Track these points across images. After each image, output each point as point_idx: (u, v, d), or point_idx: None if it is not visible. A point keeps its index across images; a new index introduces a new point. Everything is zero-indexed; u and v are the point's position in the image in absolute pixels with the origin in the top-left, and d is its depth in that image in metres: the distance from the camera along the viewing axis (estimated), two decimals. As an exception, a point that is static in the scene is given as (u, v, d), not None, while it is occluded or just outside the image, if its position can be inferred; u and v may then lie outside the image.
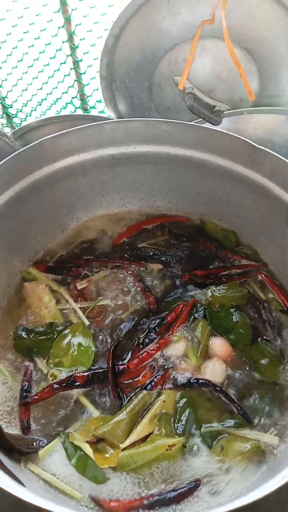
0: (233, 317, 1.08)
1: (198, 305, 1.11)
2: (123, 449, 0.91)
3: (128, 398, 0.99)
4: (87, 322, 1.09)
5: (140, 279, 1.16)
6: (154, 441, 0.90)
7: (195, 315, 1.10)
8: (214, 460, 0.92)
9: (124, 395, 1.00)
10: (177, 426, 0.95)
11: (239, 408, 0.96)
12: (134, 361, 1.02)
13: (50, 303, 1.10)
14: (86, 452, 0.91)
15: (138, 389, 1.00)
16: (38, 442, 0.94)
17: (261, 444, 0.92)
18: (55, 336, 1.07)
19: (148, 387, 0.99)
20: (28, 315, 1.12)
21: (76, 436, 0.93)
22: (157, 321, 1.09)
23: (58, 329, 1.08)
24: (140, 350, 1.04)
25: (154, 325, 1.08)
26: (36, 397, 0.98)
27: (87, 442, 0.91)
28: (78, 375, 1.00)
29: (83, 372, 1.01)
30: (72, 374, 1.00)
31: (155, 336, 1.06)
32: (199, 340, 1.05)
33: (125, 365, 1.02)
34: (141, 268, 1.20)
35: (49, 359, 1.04)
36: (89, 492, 0.89)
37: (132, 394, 0.99)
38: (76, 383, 0.99)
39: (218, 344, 1.05)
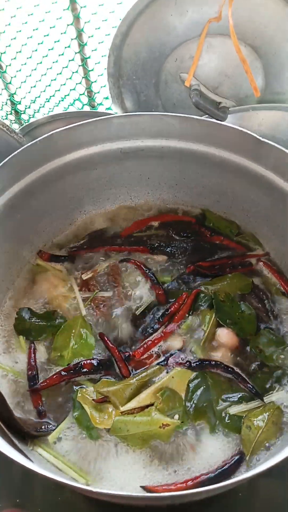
0: (239, 307, 1.10)
1: (202, 295, 1.13)
2: (121, 413, 0.93)
3: (139, 370, 1.02)
4: (84, 312, 1.11)
5: (147, 271, 1.18)
6: (150, 414, 0.92)
7: (200, 304, 1.11)
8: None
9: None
10: (188, 405, 0.96)
11: (251, 387, 0.98)
12: (140, 350, 1.04)
13: (57, 291, 1.13)
14: (84, 408, 0.94)
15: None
16: (47, 425, 0.96)
17: (279, 404, 0.96)
18: (55, 324, 1.10)
19: (162, 363, 1.02)
20: (35, 302, 1.15)
21: (84, 391, 0.97)
22: (161, 311, 1.11)
23: (59, 318, 1.11)
24: (145, 340, 1.06)
25: (159, 315, 1.10)
26: (45, 383, 1.00)
27: (93, 400, 0.95)
28: (86, 362, 1.02)
29: (91, 359, 1.03)
30: (80, 361, 1.03)
31: (159, 326, 1.08)
32: (205, 331, 1.07)
33: (130, 353, 1.04)
34: (148, 260, 1.22)
35: (51, 354, 1.06)
36: (95, 477, 0.90)
37: (144, 368, 1.02)
38: (84, 370, 1.01)
39: (225, 335, 1.06)
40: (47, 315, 1.12)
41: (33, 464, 0.74)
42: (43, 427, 0.96)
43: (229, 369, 1.01)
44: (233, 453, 0.92)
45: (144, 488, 0.88)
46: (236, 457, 0.91)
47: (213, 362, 1.02)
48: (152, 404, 0.95)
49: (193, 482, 0.88)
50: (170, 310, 1.10)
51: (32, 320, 1.10)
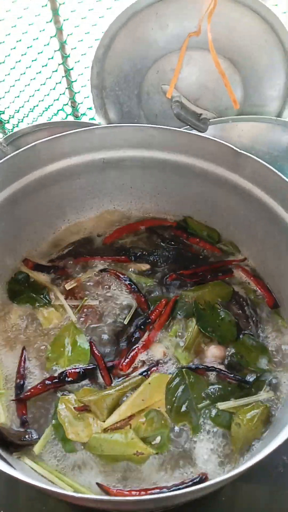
0: (219, 315, 1.12)
1: (181, 303, 1.14)
2: (104, 430, 0.94)
3: (121, 379, 1.03)
4: (74, 319, 1.12)
5: (126, 280, 1.19)
6: (127, 436, 0.91)
7: (179, 312, 1.13)
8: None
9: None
10: (169, 408, 0.97)
11: (234, 376, 1.02)
12: (125, 362, 1.04)
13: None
14: (59, 418, 0.95)
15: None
16: (31, 434, 0.96)
17: (265, 403, 0.98)
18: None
19: (144, 374, 1.03)
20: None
21: (66, 399, 0.97)
22: (143, 320, 1.12)
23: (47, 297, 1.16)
24: (128, 350, 1.07)
25: (140, 323, 1.11)
26: (29, 393, 1.01)
27: (74, 408, 0.96)
28: (70, 371, 1.03)
29: (75, 368, 1.03)
30: (64, 370, 1.03)
31: (140, 335, 1.09)
32: (186, 340, 1.08)
33: (114, 363, 1.05)
34: (130, 269, 1.23)
35: (47, 364, 1.06)
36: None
37: (124, 377, 1.03)
38: (68, 379, 1.02)
39: (213, 351, 1.08)
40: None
41: (15, 472, 0.74)
42: (27, 436, 0.96)
43: (210, 367, 1.03)
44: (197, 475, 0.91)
45: (99, 485, 0.89)
46: (196, 480, 0.90)
47: (194, 366, 1.04)
48: (133, 415, 0.95)
49: (146, 492, 0.88)
50: (150, 318, 1.12)
51: (26, 285, 1.17)
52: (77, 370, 1.03)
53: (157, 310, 1.13)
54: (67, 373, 1.02)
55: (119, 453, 0.91)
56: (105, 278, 1.21)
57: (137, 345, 1.08)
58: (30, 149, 1.07)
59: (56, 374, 1.03)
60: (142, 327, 1.10)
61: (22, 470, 0.90)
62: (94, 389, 1.01)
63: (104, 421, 0.95)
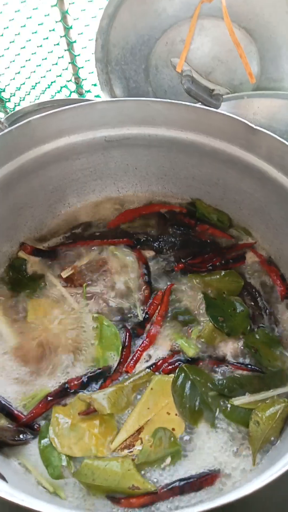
0: (231, 304, 1.05)
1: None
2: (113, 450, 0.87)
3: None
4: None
5: (146, 268, 1.13)
6: (124, 466, 0.83)
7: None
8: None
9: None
10: (182, 411, 0.91)
11: (246, 366, 0.97)
12: (131, 363, 0.98)
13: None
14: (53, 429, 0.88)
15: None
16: (25, 434, 0.91)
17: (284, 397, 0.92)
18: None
19: (147, 370, 0.97)
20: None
21: (58, 409, 0.91)
22: (144, 314, 1.06)
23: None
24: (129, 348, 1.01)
25: (142, 319, 1.05)
26: (31, 414, 0.92)
27: (79, 413, 0.89)
28: (72, 383, 0.95)
29: (77, 380, 0.95)
30: (65, 381, 0.96)
31: (142, 332, 1.04)
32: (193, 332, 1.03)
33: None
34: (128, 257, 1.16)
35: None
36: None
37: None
38: (71, 390, 0.94)
39: (230, 347, 1.03)
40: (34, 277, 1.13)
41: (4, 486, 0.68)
42: (21, 435, 0.90)
43: (221, 359, 0.99)
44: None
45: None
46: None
47: (196, 357, 0.99)
48: (142, 428, 0.89)
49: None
50: (148, 313, 1.05)
51: (23, 275, 1.12)
52: (81, 380, 0.95)
53: (155, 303, 1.06)
54: (69, 384, 0.95)
55: (113, 485, 0.81)
56: (105, 263, 1.14)
57: (141, 344, 1.01)
58: (24, 127, 0.98)
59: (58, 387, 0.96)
60: (142, 324, 1.05)
61: (14, 472, 0.85)
62: (88, 395, 0.92)
63: (109, 439, 0.88)
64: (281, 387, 0.94)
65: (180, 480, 0.84)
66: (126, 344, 1.01)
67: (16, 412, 0.93)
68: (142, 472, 0.85)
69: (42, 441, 0.89)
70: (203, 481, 0.84)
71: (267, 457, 0.88)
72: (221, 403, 0.92)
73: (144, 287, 1.10)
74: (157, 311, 1.06)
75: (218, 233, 1.19)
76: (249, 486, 0.66)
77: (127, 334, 1.02)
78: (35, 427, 0.91)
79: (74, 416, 0.90)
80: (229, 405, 0.92)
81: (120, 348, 1.00)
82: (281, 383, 0.95)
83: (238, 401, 0.91)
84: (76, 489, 0.84)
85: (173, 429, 0.89)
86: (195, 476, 0.85)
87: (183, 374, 0.95)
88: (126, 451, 0.87)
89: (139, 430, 0.89)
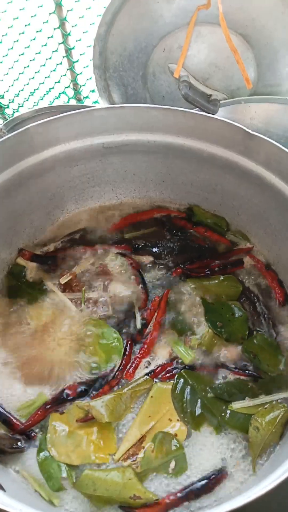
0: (230, 309, 1.05)
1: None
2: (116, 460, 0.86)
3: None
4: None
5: (140, 273, 1.13)
6: (125, 476, 0.82)
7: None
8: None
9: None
10: (183, 416, 0.91)
11: (244, 371, 0.96)
12: (130, 371, 0.98)
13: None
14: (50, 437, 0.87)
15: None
16: (23, 441, 0.90)
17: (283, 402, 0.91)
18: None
19: (145, 377, 0.97)
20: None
21: (55, 416, 0.90)
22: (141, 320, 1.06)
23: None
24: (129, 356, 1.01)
25: (140, 326, 1.05)
26: (29, 422, 0.92)
27: (76, 421, 0.88)
28: (71, 390, 0.95)
29: (75, 389, 0.95)
30: (63, 389, 0.95)
31: (140, 338, 1.03)
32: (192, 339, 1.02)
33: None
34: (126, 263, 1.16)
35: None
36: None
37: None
38: (70, 398, 0.94)
39: (229, 353, 1.02)
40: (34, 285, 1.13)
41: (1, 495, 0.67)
42: (19, 443, 0.90)
43: (219, 364, 0.99)
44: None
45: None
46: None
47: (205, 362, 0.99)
48: (144, 437, 0.88)
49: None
50: (146, 320, 1.05)
51: (23, 282, 1.11)
52: (78, 387, 0.95)
53: (152, 308, 1.06)
54: (67, 391, 0.95)
55: (114, 495, 0.80)
56: (103, 269, 1.14)
57: (139, 351, 1.01)
58: (22, 133, 0.98)
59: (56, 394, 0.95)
60: (140, 331, 1.04)
61: (12, 481, 0.84)
62: (86, 403, 0.92)
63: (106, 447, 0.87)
64: (280, 392, 0.93)
65: (192, 484, 0.84)
66: (127, 351, 1.00)
67: (13, 419, 0.92)
68: (149, 478, 0.85)
69: (41, 454, 0.88)
70: (214, 482, 0.84)
71: (267, 463, 0.87)
72: (221, 409, 0.92)
73: (141, 292, 1.10)
74: (154, 316, 1.05)
75: (216, 237, 1.19)
76: (248, 493, 0.65)
77: (128, 341, 1.02)
78: (32, 435, 0.91)
79: (71, 423, 0.89)
80: (228, 411, 0.91)
81: (123, 350, 0.99)
82: (280, 388, 0.95)
83: (238, 405, 0.91)
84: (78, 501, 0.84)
85: (176, 435, 0.89)
86: (206, 477, 0.85)
87: (182, 380, 0.95)
88: (129, 461, 0.87)
89: (141, 439, 0.89)
